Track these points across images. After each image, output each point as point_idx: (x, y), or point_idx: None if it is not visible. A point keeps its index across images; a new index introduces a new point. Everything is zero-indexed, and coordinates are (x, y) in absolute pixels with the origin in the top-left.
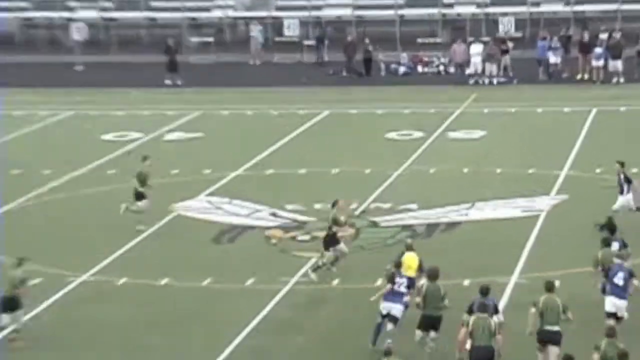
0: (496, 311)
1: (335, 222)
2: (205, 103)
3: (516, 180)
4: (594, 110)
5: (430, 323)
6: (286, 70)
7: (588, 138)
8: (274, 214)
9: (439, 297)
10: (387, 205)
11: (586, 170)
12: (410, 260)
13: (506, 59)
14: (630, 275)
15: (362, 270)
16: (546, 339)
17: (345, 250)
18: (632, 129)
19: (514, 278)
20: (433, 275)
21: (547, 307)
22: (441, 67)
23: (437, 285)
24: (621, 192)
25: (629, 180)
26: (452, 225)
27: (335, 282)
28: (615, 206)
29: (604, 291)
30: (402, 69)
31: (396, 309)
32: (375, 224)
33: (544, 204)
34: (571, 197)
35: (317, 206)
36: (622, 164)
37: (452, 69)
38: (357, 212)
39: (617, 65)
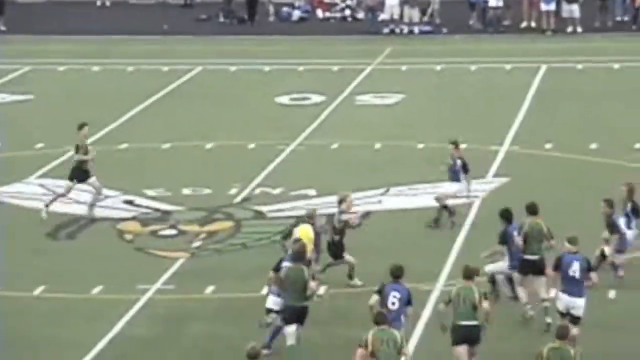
0: (409, 302)
1: (347, 224)
2: (37, 55)
3: (443, 159)
4: (544, 68)
5: (294, 315)
6: (145, 13)
7: (536, 104)
8: (129, 202)
9: (302, 284)
10: (276, 191)
11: (533, 145)
12: (304, 233)
13: (433, 2)
14: (588, 265)
15: (243, 275)
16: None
17: (352, 261)
18: (591, 92)
19: (439, 285)
20: (298, 257)
21: (459, 297)
22: (347, 12)
23: (300, 267)
24: (455, 179)
25: (466, 169)
26: (361, 215)
27: (209, 289)
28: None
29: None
30: (296, 14)
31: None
32: (261, 215)
33: (478, 188)
34: (513, 180)
35: (186, 191)
36: (455, 145)
37: (361, 15)
38: (237, 199)
39: (573, 9)
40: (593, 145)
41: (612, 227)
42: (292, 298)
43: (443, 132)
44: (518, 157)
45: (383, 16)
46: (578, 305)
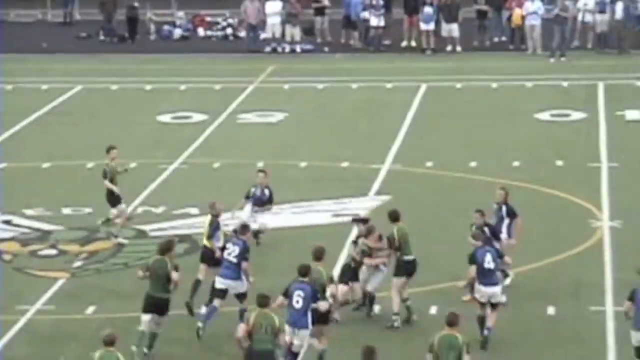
0: (315, 299)
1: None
2: None
3: (325, 177)
4: (424, 87)
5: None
6: (24, 30)
7: (416, 122)
8: (7, 222)
9: (163, 276)
10: (159, 210)
11: (414, 163)
12: None
13: (322, 21)
14: (498, 253)
15: (124, 294)
16: None
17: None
18: (470, 111)
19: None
20: (164, 248)
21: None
22: (228, 31)
23: (163, 260)
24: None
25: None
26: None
27: (90, 309)
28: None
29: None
30: (177, 32)
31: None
32: (143, 234)
33: (360, 206)
34: (395, 198)
35: (66, 211)
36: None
37: (242, 33)
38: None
39: (452, 29)
40: (473, 164)
41: (494, 235)
42: (153, 288)
43: (326, 150)
44: (399, 175)
45: (264, 35)
46: (497, 292)
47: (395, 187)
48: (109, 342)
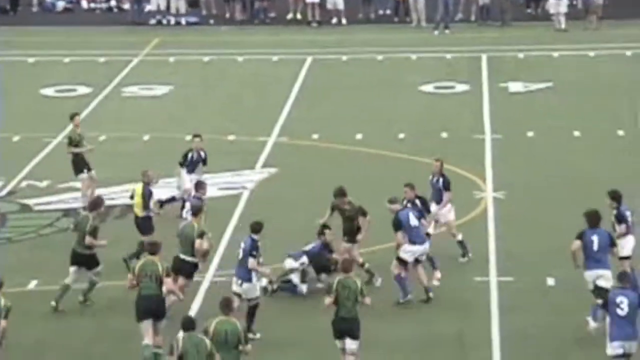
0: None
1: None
2: None
3: (212, 150)
4: (309, 60)
5: None
6: None
7: (302, 95)
8: None
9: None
10: (43, 184)
11: (300, 136)
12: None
13: None
14: (421, 214)
15: (8, 269)
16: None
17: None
18: (356, 83)
19: (208, 276)
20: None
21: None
22: (112, 3)
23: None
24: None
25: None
26: (129, 208)
27: None
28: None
29: None
30: (60, 5)
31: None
32: (27, 208)
33: (247, 179)
34: (282, 171)
35: None
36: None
37: (126, 5)
38: (3, 193)
39: (337, 2)
40: (358, 136)
41: (425, 207)
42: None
43: (212, 123)
44: (286, 148)
45: (149, 7)
46: (425, 250)
47: (281, 160)
48: (226, 306)
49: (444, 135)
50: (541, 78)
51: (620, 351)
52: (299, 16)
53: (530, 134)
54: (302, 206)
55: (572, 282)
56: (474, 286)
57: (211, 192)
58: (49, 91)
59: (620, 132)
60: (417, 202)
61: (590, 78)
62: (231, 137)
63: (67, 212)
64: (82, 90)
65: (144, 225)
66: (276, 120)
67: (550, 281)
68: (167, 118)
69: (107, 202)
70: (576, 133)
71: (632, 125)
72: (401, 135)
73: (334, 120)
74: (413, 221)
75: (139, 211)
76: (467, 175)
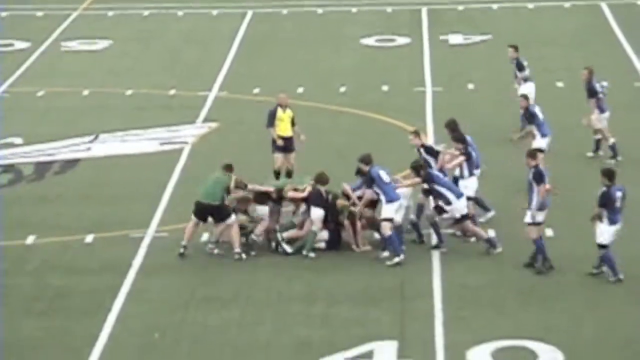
0: None
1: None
2: None
3: (152, 105)
4: (250, 13)
5: None
6: None
7: (243, 49)
8: None
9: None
10: None
11: (241, 90)
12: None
13: None
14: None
15: None
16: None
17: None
18: (296, 37)
19: (150, 231)
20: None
21: None
22: None
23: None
24: None
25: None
26: (69, 163)
27: None
28: None
29: None
30: None
31: None
32: None
33: (188, 134)
34: (222, 125)
35: None
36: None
37: None
38: None
39: None
40: (300, 90)
41: (432, 153)
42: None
43: (152, 78)
44: (227, 103)
45: None
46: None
47: (222, 114)
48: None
49: (385, 88)
50: (481, 30)
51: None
52: None
53: (470, 86)
54: (242, 161)
55: (513, 235)
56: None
57: (153, 147)
58: None
59: (559, 84)
60: (422, 150)
61: (528, 30)
62: (171, 92)
63: (6, 168)
64: (20, 45)
65: None
66: (216, 75)
67: (491, 232)
68: (106, 73)
69: (47, 158)
70: (515, 85)
71: (569, 77)
72: (342, 89)
73: (274, 75)
74: (385, 177)
75: None
76: (408, 128)
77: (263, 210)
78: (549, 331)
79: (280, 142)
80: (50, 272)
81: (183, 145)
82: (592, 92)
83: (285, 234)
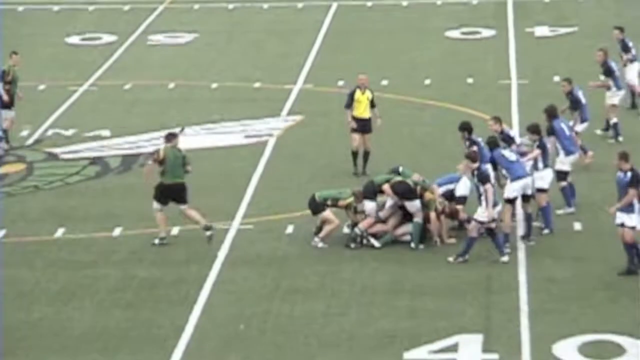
0: None
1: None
2: None
3: (237, 98)
4: (335, 6)
5: None
6: None
7: (328, 42)
8: None
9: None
10: (69, 132)
11: (326, 83)
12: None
13: None
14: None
15: (35, 218)
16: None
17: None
18: (381, 29)
19: (235, 223)
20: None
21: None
22: None
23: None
24: None
25: None
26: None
27: (0, 233)
28: None
29: None
30: None
31: None
32: (53, 157)
33: (273, 126)
34: (307, 118)
35: None
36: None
37: None
38: (29, 141)
39: None
40: (384, 82)
41: (509, 140)
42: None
43: (237, 71)
44: (311, 95)
45: None
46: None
47: (306, 107)
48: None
49: (470, 80)
50: (567, 22)
51: None
52: None
53: (556, 78)
54: (327, 153)
55: (599, 227)
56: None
57: (238, 140)
58: (74, 39)
59: None
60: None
61: (615, 22)
62: (256, 85)
63: (93, 161)
64: (107, 38)
65: None
66: (301, 68)
67: (577, 226)
68: (192, 66)
69: (133, 151)
70: (602, 77)
71: None
72: (427, 81)
73: (359, 67)
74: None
75: None
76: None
77: (370, 205)
78: (636, 325)
79: (353, 124)
80: (136, 264)
81: (268, 138)
82: (608, 72)
83: (371, 229)
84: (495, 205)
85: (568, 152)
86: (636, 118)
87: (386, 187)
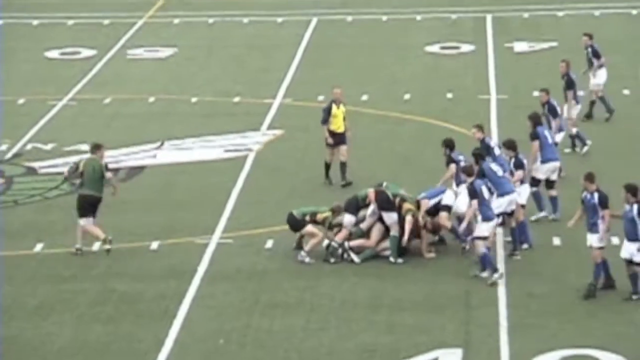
0: None
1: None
2: None
3: (217, 112)
4: (314, 21)
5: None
6: None
7: (307, 56)
8: None
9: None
10: (48, 146)
11: (305, 98)
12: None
13: None
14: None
15: (14, 232)
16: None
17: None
18: (361, 44)
19: (215, 238)
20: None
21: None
22: None
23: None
24: None
25: None
26: (135, 170)
27: None
28: None
29: None
30: None
31: None
32: (32, 171)
33: (253, 141)
34: (287, 132)
35: None
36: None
37: None
38: (8, 156)
39: None
40: (364, 97)
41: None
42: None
43: (217, 85)
44: (291, 110)
45: None
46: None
47: (286, 122)
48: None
49: (450, 95)
50: (546, 37)
51: None
52: None
53: (535, 93)
54: (307, 168)
55: (578, 242)
56: None
57: (217, 154)
58: (53, 54)
59: (626, 92)
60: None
61: (594, 37)
62: (236, 99)
63: None
64: (87, 52)
65: None
66: (281, 82)
67: (557, 241)
68: (172, 80)
69: (113, 165)
70: (580, 92)
71: (636, 84)
72: (407, 96)
73: (339, 81)
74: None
75: None
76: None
77: (349, 218)
78: (615, 340)
79: (330, 140)
80: (116, 278)
81: (247, 153)
82: (570, 84)
83: (352, 243)
84: (490, 219)
85: (545, 160)
86: (597, 125)
87: (371, 190)
